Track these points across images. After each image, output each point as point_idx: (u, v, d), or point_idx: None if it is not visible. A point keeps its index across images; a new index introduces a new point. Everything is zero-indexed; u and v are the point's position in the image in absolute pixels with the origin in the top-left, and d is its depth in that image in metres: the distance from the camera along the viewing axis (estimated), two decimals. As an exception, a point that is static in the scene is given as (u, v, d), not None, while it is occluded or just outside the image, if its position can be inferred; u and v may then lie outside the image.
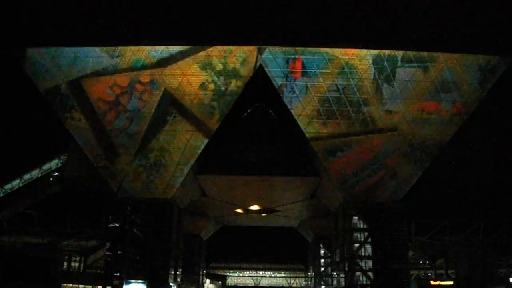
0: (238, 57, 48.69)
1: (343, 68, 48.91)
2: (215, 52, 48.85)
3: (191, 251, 71.99)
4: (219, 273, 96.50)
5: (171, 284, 53.75)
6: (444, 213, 65.77)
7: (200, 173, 56.16)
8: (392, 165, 50.60)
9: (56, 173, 56.71)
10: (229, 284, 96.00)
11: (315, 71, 48.94)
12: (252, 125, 57.79)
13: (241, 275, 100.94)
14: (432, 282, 58.55)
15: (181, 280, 60.28)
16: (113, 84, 49.84)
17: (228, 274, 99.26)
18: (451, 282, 57.24)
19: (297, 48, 49.41)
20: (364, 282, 51.40)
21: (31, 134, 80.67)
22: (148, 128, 50.34)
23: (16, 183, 56.47)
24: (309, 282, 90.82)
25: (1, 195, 56.18)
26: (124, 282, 49.61)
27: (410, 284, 55.16)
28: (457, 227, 63.80)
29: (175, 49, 49.08)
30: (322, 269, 79.49)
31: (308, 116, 49.35)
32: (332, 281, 75.48)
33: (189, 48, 49.05)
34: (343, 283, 55.55)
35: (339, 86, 49.23)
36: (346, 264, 53.46)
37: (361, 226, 53.36)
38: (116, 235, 51.90)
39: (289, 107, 49.43)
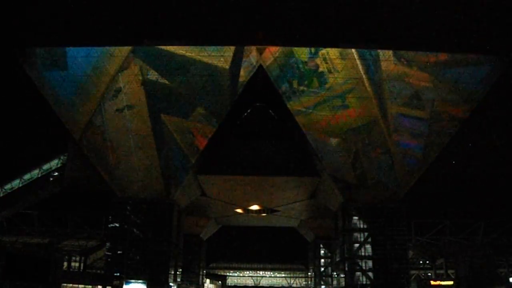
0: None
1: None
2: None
3: (191, 251, 72.00)
4: (219, 273, 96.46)
5: (171, 284, 53.76)
6: (444, 213, 65.81)
7: (200, 173, 56.17)
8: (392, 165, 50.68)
9: (56, 173, 56.67)
10: (229, 284, 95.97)
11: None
12: (252, 125, 57.82)
13: (241, 275, 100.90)
14: (432, 282, 58.54)
15: (181, 280, 60.30)
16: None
17: (228, 274, 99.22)
18: (451, 282, 57.24)
19: (296, 48, 49.38)
20: (364, 282, 51.43)
21: (31, 134, 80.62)
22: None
23: (16, 183, 56.39)
24: (309, 282, 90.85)
25: (1, 195, 56.16)
26: (124, 282, 49.58)
27: (410, 284, 55.19)
28: (457, 227, 63.80)
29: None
30: (322, 269, 79.51)
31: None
32: (332, 281, 75.53)
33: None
34: (343, 283, 55.59)
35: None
36: (346, 264, 53.47)
37: (361, 226, 53.39)
38: (116, 235, 51.95)
39: (289, 107, 49.46)
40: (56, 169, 56.82)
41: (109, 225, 53.54)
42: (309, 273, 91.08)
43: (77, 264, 67.15)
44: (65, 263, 60.24)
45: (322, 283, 78.85)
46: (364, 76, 48.69)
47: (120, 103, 49.73)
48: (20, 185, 56.33)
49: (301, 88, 48.89)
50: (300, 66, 48.60)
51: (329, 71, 48.63)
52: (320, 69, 48.62)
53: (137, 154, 50.87)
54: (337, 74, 48.62)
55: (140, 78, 49.15)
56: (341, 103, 49.15)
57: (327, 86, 48.82)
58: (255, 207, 68.33)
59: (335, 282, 72.86)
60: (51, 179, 56.84)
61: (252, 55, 48.39)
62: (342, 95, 48.97)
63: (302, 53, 48.49)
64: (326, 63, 48.35)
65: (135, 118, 50.09)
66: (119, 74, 48.99)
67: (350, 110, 49.38)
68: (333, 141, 50.12)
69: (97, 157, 51.48)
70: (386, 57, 48.59)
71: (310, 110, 49.24)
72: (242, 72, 48.66)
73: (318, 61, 48.52)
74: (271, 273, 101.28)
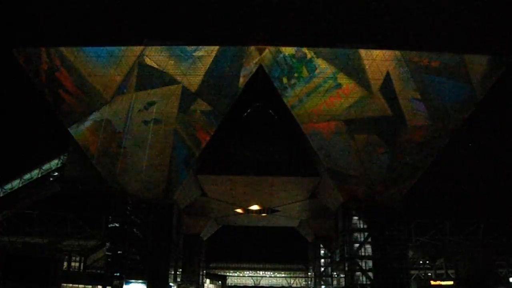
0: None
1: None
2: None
3: (191, 251, 71.99)
4: (219, 273, 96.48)
5: (171, 284, 53.74)
6: (444, 213, 65.81)
7: (200, 173, 56.16)
8: (392, 165, 50.64)
9: (56, 173, 56.70)
10: (229, 284, 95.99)
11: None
12: (252, 125, 57.81)
13: (241, 275, 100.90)
14: (432, 282, 58.60)
15: (181, 280, 60.29)
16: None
17: (228, 274, 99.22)
18: (451, 282, 57.29)
19: (297, 48, 49.39)
20: (364, 282, 51.39)
21: (31, 134, 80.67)
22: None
23: (16, 183, 56.47)
24: (309, 282, 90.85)
25: (1, 195, 56.17)
26: (124, 282, 49.61)
27: (410, 284, 55.20)
28: (457, 227, 63.79)
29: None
30: (322, 269, 79.53)
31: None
32: (332, 281, 75.55)
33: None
34: (343, 283, 55.58)
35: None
36: (346, 264, 53.45)
37: (361, 226, 53.35)
38: (116, 235, 51.91)
39: (289, 107, 49.42)
40: (56, 169, 56.87)
41: (109, 225, 53.47)
42: (309, 273, 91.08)
43: (77, 264, 67.12)
44: (65, 263, 60.30)
45: (322, 283, 78.86)
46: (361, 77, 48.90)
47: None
48: (20, 185, 56.39)
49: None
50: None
51: (317, 56, 49.21)
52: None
53: (138, 154, 50.91)
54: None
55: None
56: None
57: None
58: (255, 207, 68.34)
59: (335, 282, 72.88)
60: (51, 179, 56.88)
61: (251, 56, 48.46)
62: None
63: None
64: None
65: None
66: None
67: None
68: (332, 137, 49.94)
69: (101, 159, 51.39)
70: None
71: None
72: (241, 73, 48.72)
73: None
74: (271, 273, 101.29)
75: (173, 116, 50.15)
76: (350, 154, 50.35)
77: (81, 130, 50.92)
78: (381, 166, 50.56)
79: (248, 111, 58.66)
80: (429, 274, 71.18)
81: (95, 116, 50.70)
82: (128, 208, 52.21)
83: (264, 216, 70.60)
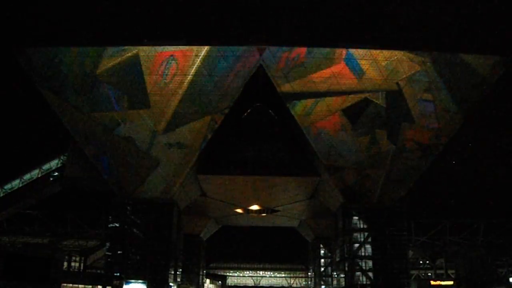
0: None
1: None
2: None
3: (191, 251, 71.98)
4: (219, 273, 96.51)
5: (171, 284, 53.76)
6: (444, 213, 65.89)
7: (200, 173, 56.16)
8: (392, 165, 50.63)
9: (56, 173, 56.74)
10: (229, 284, 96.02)
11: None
12: (252, 125, 57.82)
13: (241, 275, 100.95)
14: (432, 282, 58.53)
15: (181, 280, 60.31)
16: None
17: (228, 274, 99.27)
18: (451, 282, 57.25)
19: (296, 48, 49.36)
20: (364, 282, 51.43)
21: (31, 134, 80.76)
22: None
23: (16, 183, 56.52)
24: (309, 282, 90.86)
25: (1, 195, 56.20)
26: (124, 282, 49.61)
27: (410, 284, 55.23)
28: (457, 227, 63.82)
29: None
30: (322, 269, 79.53)
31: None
32: (332, 281, 75.54)
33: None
34: (343, 283, 55.60)
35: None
36: (346, 264, 53.49)
37: (361, 226, 53.38)
38: (116, 235, 51.94)
39: (289, 107, 49.40)
40: (56, 169, 56.94)
41: (109, 225, 53.50)
42: (309, 273, 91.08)
43: (77, 264, 67.15)
44: (65, 263, 60.27)
45: (322, 283, 78.86)
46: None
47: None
48: (20, 185, 56.43)
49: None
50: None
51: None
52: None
53: (139, 154, 50.94)
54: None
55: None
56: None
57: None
58: (255, 207, 68.33)
59: (335, 282, 72.83)
60: (51, 179, 56.91)
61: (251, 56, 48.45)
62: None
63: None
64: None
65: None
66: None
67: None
68: (333, 135, 49.86)
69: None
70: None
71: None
72: (242, 73, 48.70)
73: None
74: (271, 273, 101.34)
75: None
76: (350, 153, 50.34)
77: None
78: (382, 165, 50.63)
79: (248, 111, 58.67)
80: (429, 274, 71.22)
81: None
82: (128, 208, 52.23)
83: (264, 216, 70.60)
